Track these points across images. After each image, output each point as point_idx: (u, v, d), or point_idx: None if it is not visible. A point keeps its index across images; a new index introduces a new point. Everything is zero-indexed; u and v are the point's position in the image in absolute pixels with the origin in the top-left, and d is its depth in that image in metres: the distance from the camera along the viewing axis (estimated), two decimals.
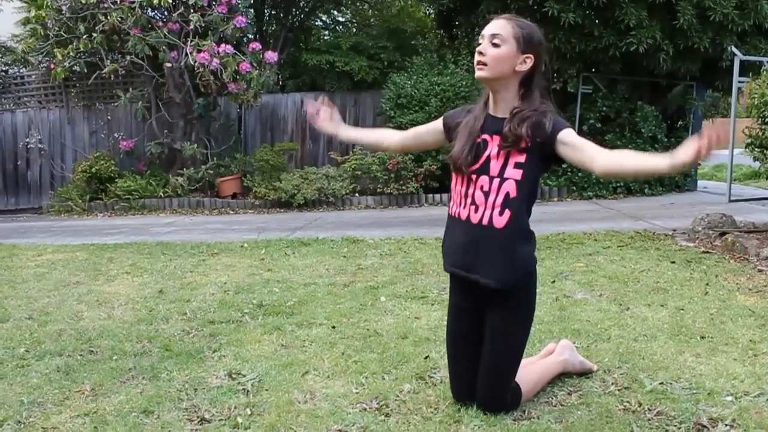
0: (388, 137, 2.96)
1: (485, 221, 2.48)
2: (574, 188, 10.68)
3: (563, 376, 2.90)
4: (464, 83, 10.35)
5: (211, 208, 10.76)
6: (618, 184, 10.61)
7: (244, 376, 3.07)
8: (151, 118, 11.25)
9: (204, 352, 3.44)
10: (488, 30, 2.45)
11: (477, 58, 2.47)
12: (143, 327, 3.96)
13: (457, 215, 2.61)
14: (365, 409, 2.65)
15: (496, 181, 2.47)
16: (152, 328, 3.93)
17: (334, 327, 3.79)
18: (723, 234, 6.09)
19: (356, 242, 6.74)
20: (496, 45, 2.42)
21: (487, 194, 2.48)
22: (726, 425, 2.41)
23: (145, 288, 5.00)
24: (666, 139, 11.01)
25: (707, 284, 4.53)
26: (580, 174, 10.68)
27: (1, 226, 9.84)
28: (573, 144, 2.41)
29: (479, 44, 2.47)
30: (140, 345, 3.62)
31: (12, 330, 3.97)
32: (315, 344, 3.50)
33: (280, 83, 12.52)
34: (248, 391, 2.89)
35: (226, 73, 9.98)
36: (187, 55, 10.11)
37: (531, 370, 2.72)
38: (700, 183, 12.25)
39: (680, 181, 11.16)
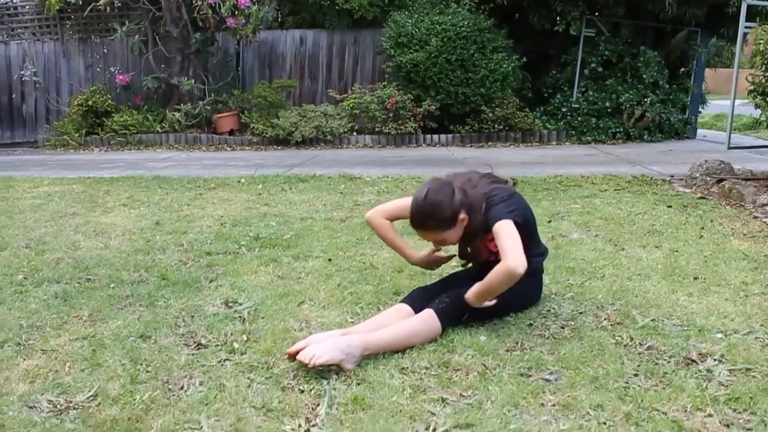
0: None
1: None
2: (573, 132, 10.64)
3: (552, 311, 2.96)
4: (466, 23, 10.21)
5: (208, 144, 10.72)
6: (617, 130, 10.56)
7: (241, 304, 3.10)
8: (147, 53, 11.08)
9: (200, 282, 3.47)
10: (429, 239, 2.90)
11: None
12: (140, 257, 3.98)
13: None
14: None
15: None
16: (149, 258, 3.95)
17: (330, 260, 3.82)
18: (720, 181, 6.09)
19: (353, 179, 6.75)
20: (443, 242, 2.90)
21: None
22: (715, 360, 2.45)
23: (142, 220, 5.01)
24: (667, 86, 10.90)
25: (702, 228, 4.55)
26: (579, 119, 10.64)
27: None
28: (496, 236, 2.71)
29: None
30: (137, 274, 3.65)
31: (10, 258, 3.99)
32: (311, 276, 3.53)
33: (279, 19, 12.29)
34: (244, 318, 2.93)
35: (225, 8, 9.82)
36: None
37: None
38: (700, 132, 12.19)
39: (680, 128, 11.10)
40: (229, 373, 2.40)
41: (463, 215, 2.73)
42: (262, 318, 2.93)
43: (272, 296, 3.19)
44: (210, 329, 2.81)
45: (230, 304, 3.12)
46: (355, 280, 3.44)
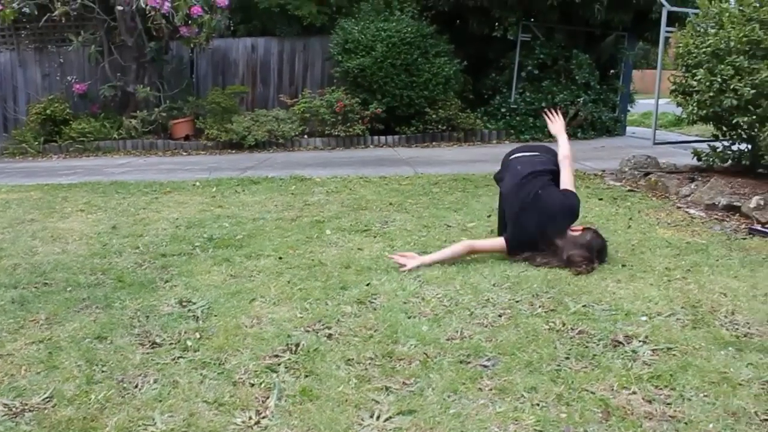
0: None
1: None
2: (512, 131, 10.77)
3: (491, 300, 2.98)
4: (409, 29, 10.23)
5: (164, 149, 10.55)
6: None
7: (194, 303, 3.06)
8: (103, 62, 10.87)
9: (156, 283, 3.42)
10: None
11: None
12: (97, 260, 3.89)
13: None
14: (308, 331, 2.68)
15: None
16: (106, 262, 3.87)
17: (281, 258, 3.80)
18: (647, 174, 6.23)
19: (304, 180, 6.71)
20: None
21: None
22: (639, 341, 2.51)
23: (99, 224, 4.90)
24: (598, 87, 11.11)
25: (630, 219, 4.65)
26: (517, 118, 10.78)
27: None
28: None
29: None
30: (94, 277, 3.57)
31: None
32: (262, 274, 3.50)
33: (232, 28, 12.17)
34: (198, 317, 2.89)
35: (178, 17, 9.67)
36: None
37: None
38: (629, 129, 12.44)
39: (611, 126, 11.31)
40: (182, 370, 2.36)
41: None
42: (215, 316, 2.89)
43: (225, 294, 3.16)
44: (164, 328, 2.77)
45: (184, 304, 3.08)
46: (304, 276, 3.42)
